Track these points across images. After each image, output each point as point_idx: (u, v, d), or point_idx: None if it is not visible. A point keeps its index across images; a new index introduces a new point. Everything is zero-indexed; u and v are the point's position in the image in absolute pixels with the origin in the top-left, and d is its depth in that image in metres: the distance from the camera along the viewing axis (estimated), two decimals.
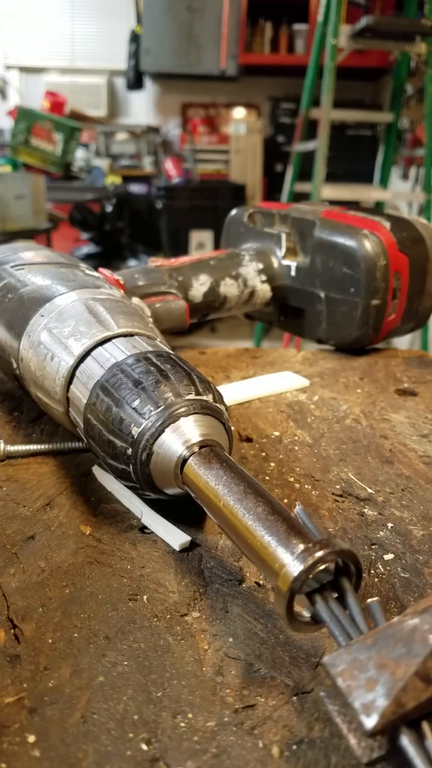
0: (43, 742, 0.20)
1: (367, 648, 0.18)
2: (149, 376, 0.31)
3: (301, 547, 0.22)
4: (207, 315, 0.57)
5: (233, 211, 0.65)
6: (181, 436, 0.29)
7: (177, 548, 0.30)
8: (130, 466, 0.30)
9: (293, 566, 0.22)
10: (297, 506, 0.25)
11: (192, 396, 0.31)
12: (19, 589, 0.27)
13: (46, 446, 0.38)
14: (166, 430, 0.29)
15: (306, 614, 0.22)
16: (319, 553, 0.21)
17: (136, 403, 0.30)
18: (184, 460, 0.29)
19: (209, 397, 0.31)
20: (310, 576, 0.22)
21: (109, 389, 0.31)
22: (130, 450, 0.30)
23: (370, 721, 0.17)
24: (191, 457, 0.29)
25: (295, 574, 0.21)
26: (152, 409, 0.30)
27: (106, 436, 0.31)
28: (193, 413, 0.30)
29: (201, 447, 0.29)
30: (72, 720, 0.21)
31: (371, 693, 0.17)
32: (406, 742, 0.17)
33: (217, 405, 0.31)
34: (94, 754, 0.20)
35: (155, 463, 0.30)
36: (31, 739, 0.20)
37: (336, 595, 0.22)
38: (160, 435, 0.29)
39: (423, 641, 0.17)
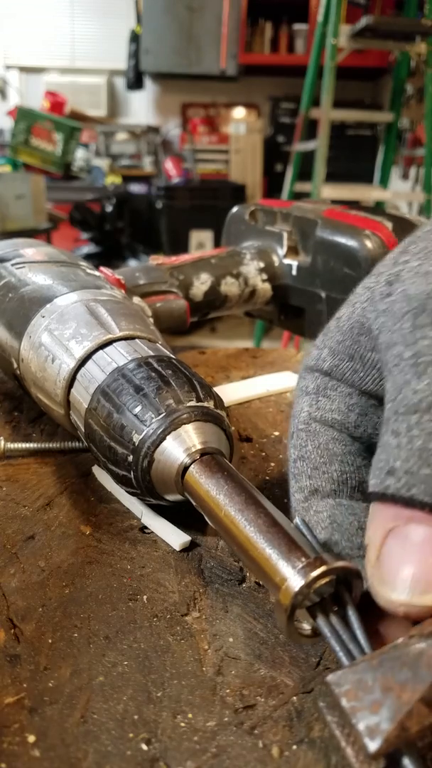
0: (43, 742, 0.20)
1: (373, 669, 0.18)
2: (150, 382, 0.31)
3: (303, 561, 0.22)
4: (207, 314, 0.57)
5: (234, 209, 0.65)
6: (183, 444, 0.29)
7: (177, 548, 0.30)
8: (131, 473, 0.30)
9: (295, 580, 0.21)
10: (296, 518, 0.25)
11: (193, 402, 0.30)
12: (19, 589, 0.27)
13: (46, 445, 0.38)
14: (168, 437, 0.29)
15: (306, 627, 0.22)
16: (321, 569, 0.21)
17: (137, 410, 0.30)
18: (186, 468, 0.29)
19: (210, 404, 0.31)
20: (312, 591, 0.21)
21: (110, 395, 0.31)
22: (131, 457, 0.30)
23: (373, 744, 0.17)
24: (192, 465, 0.28)
25: (297, 588, 0.21)
26: (153, 416, 0.30)
27: (107, 442, 0.31)
28: (195, 420, 0.30)
29: (202, 455, 0.29)
30: (72, 720, 0.21)
31: (375, 716, 0.17)
32: (407, 762, 0.17)
33: (218, 411, 0.31)
34: (94, 754, 0.20)
35: (156, 470, 0.29)
36: (31, 739, 0.20)
37: (336, 608, 0.22)
38: (161, 442, 0.29)
39: (429, 666, 0.17)
